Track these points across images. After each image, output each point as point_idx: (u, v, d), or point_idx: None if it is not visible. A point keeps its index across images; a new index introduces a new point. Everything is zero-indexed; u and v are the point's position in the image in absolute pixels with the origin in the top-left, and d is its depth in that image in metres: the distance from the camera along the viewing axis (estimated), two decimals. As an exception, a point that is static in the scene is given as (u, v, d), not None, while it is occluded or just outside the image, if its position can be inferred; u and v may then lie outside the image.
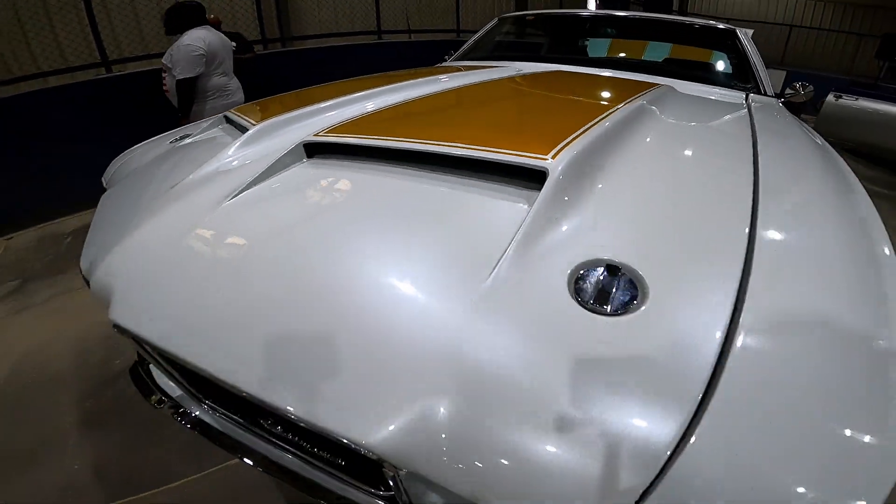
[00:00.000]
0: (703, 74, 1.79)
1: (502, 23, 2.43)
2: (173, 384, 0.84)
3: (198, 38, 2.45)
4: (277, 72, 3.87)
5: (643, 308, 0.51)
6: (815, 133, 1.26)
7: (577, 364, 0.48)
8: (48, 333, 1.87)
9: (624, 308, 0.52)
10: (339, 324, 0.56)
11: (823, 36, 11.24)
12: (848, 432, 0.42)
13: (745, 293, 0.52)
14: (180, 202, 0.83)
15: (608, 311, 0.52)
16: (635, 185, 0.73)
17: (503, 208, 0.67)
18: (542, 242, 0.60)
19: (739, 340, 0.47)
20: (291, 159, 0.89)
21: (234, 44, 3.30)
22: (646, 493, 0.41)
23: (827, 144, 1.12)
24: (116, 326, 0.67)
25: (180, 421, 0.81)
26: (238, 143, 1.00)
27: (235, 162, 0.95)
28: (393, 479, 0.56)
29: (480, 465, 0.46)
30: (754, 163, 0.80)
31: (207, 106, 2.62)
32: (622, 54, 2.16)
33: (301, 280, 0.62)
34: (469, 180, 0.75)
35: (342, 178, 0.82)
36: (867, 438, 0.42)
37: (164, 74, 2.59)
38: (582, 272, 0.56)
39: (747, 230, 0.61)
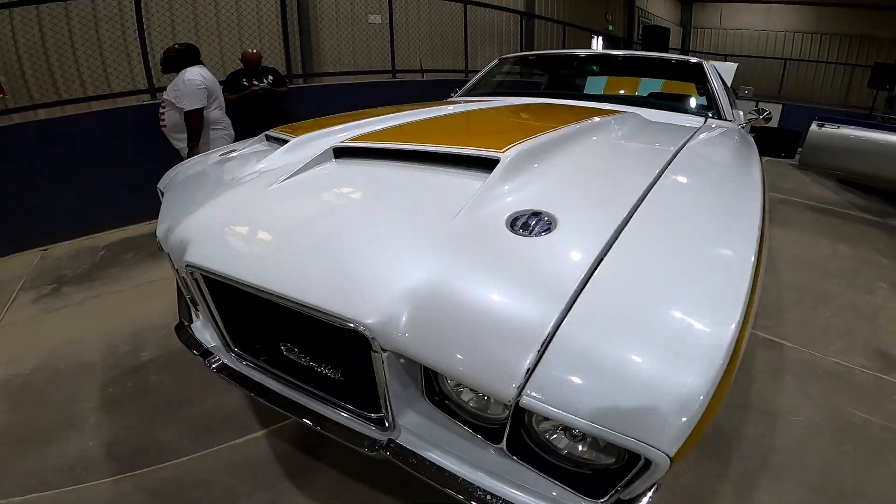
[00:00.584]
0: (669, 103, 2.02)
1: (501, 63, 2.70)
2: (209, 337, 1.10)
3: (198, 73, 2.70)
4: (300, 105, 4.21)
5: (552, 234, 0.76)
6: (751, 155, 1.43)
7: (503, 265, 0.71)
8: (80, 330, 2.05)
9: (539, 234, 0.76)
10: (345, 241, 0.82)
11: (819, 68, 11.59)
12: (684, 321, 0.58)
13: (619, 233, 0.74)
14: (239, 187, 1.11)
15: (528, 235, 0.76)
16: (562, 169, 1.01)
17: (469, 182, 0.94)
18: (490, 200, 0.87)
19: (609, 258, 0.69)
20: (323, 159, 1.17)
21: (270, 77, 3.69)
22: (538, 360, 0.57)
23: (751, 166, 1.28)
24: (189, 265, 0.91)
25: (210, 367, 1.05)
26: (281, 151, 1.28)
27: (279, 164, 1.21)
28: (379, 379, 0.74)
29: (440, 338, 0.65)
30: (664, 167, 1.03)
31: (209, 138, 2.83)
32: (602, 88, 2.39)
33: (318, 224, 0.89)
34: (449, 168, 1.02)
35: (360, 170, 1.11)
36: (699, 326, 0.58)
37: (162, 111, 2.79)
38: (516, 215, 0.82)
39: (634, 201, 0.85)
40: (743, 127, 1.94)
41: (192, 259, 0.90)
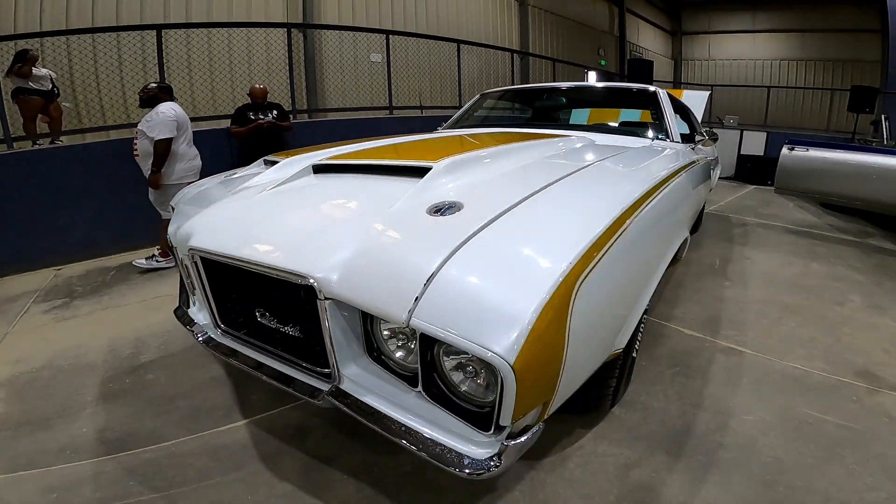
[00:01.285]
0: (626, 128, 2.29)
1: (483, 97, 2.97)
2: (202, 316, 1.35)
3: (170, 108, 3.01)
4: (304, 138, 4.51)
5: (457, 214, 1.01)
6: (665, 166, 1.64)
7: (414, 234, 0.97)
8: (86, 336, 2.22)
9: (447, 215, 1.01)
10: (306, 223, 1.11)
11: (803, 94, 11.90)
12: (529, 264, 0.79)
13: (504, 214, 0.98)
14: (234, 196, 1.43)
15: (440, 216, 1.01)
16: (482, 174, 1.28)
17: (410, 184, 1.20)
18: (419, 195, 1.13)
19: (489, 228, 0.93)
20: (304, 173, 1.48)
21: (274, 112, 4.00)
22: (420, 295, 0.79)
23: (654, 173, 1.49)
24: (192, 249, 1.19)
25: (200, 340, 1.29)
26: (272, 169, 1.58)
27: (269, 179, 1.50)
28: (324, 328, 0.95)
29: (362, 283, 0.87)
30: (571, 173, 1.26)
31: (174, 168, 3.08)
32: (567, 117, 2.63)
33: (289, 214, 1.21)
34: (398, 176, 1.29)
35: (330, 180, 1.43)
36: (537, 267, 0.78)
37: (135, 141, 3.05)
38: (436, 205, 1.07)
39: (526, 195, 1.09)
40: (695, 146, 2.15)
41: (193, 244, 1.18)
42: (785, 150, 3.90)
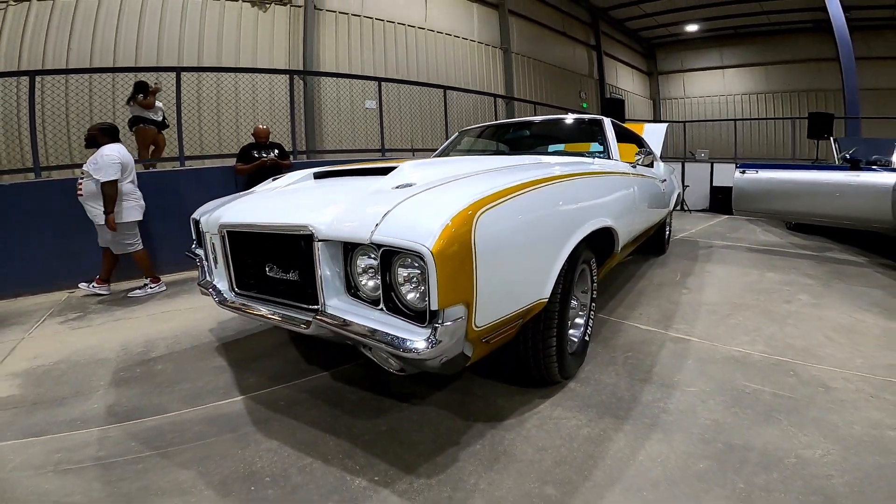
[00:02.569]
0: (577, 151, 2.76)
1: (461, 134, 3.39)
2: (223, 286, 1.71)
3: (114, 150, 3.18)
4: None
5: (410, 188, 1.36)
6: (588, 169, 2.06)
7: (381, 196, 1.33)
8: (99, 340, 2.44)
9: (404, 188, 1.37)
10: (306, 200, 1.60)
11: (769, 126, 12.55)
12: (443, 206, 1.14)
13: (440, 185, 1.31)
14: (255, 193, 1.96)
15: (400, 188, 1.37)
16: (433, 169, 1.62)
17: (382, 179, 1.56)
18: (389, 181, 1.51)
19: (428, 191, 1.30)
20: (307, 178, 1.98)
21: (276, 151, 4.38)
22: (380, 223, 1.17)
23: (577, 173, 1.90)
24: (222, 225, 1.61)
25: (219, 303, 1.66)
26: (284, 178, 2.11)
27: (280, 184, 2.02)
28: (316, 264, 1.31)
29: (343, 224, 1.27)
30: (494, 168, 1.68)
31: (123, 206, 3.25)
32: (528, 145, 3.11)
33: (294, 197, 1.70)
34: (375, 176, 1.65)
35: (328, 181, 1.86)
36: (446, 207, 1.13)
37: (80, 181, 3.21)
38: (398, 184, 1.44)
39: (458, 177, 1.43)
40: (636, 164, 2.55)
41: (223, 221, 1.62)
42: (737, 174, 4.21)
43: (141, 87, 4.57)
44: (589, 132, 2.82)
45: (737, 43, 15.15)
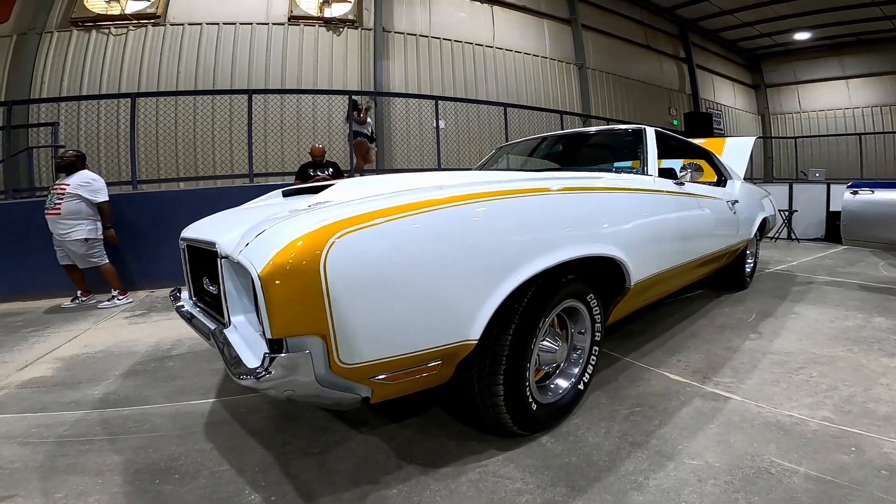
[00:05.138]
0: (607, 164, 2.49)
1: (499, 150, 3.28)
2: (185, 295, 1.80)
3: (94, 174, 3.58)
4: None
5: (315, 208, 1.21)
6: (599, 184, 1.86)
7: (278, 217, 1.17)
8: (144, 334, 2.80)
9: (313, 208, 1.23)
10: (242, 219, 1.47)
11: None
12: (299, 225, 1.03)
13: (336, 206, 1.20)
14: (238, 209, 1.95)
15: (312, 208, 1.23)
16: (367, 187, 1.45)
17: (313, 197, 1.45)
18: (315, 199, 1.36)
19: (310, 213, 1.15)
20: (276, 196, 1.89)
21: (330, 169, 4.71)
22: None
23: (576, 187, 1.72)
24: (182, 238, 1.69)
25: (174, 306, 1.74)
26: (261, 198, 2.08)
27: (254, 204, 2.00)
28: (220, 280, 1.29)
29: (233, 243, 1.19)
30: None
31: (96, 224, 3.55)
32: (557, 161, 2.87)
33: (238, 217, 1.60)
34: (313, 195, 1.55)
35: (288, 198, 1.75)
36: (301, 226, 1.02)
37: (59, 201, 3.40)
38: (314, 204, 1.28)
39: (369, 197, 1.28)
40: (680, 181, 2.23)
41: (183, 233, 1.72)
42: (847, 196, 3.45)
43: (354, 106, 5.43)
44: (627, 144, 2.51)
45: (860, 51, 12.84)
